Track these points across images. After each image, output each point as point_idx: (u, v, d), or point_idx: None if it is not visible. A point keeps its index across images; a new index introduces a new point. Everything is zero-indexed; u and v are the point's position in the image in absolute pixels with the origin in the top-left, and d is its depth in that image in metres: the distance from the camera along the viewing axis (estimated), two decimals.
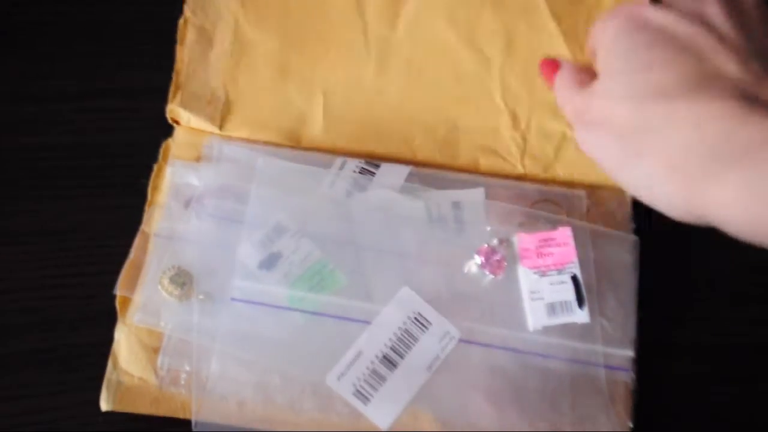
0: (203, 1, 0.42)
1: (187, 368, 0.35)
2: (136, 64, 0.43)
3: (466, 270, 0.36)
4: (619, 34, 0.28)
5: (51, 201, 0.39)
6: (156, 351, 0.35)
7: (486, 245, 0.36)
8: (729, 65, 0.26)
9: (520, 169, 0.40)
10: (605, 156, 0.28)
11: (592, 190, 0.40)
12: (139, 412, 0.35)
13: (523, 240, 0.37)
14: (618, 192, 0.39)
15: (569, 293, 0.36)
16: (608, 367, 0.36)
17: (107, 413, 0.35)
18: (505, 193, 0.39)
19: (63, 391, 0.36)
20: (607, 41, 0.28)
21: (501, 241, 0.37)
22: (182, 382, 0.35)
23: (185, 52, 0.41)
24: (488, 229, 0.37)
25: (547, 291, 0.36)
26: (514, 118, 0.41)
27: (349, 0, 0.42)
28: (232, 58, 0.41)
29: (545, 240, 0.37)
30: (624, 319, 0.37)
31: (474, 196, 0.38)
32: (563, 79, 0.31)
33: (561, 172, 0.40)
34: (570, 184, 0.40)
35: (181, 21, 0.41)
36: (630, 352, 0.36)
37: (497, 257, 0.36)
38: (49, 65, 0.42)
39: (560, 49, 0.42)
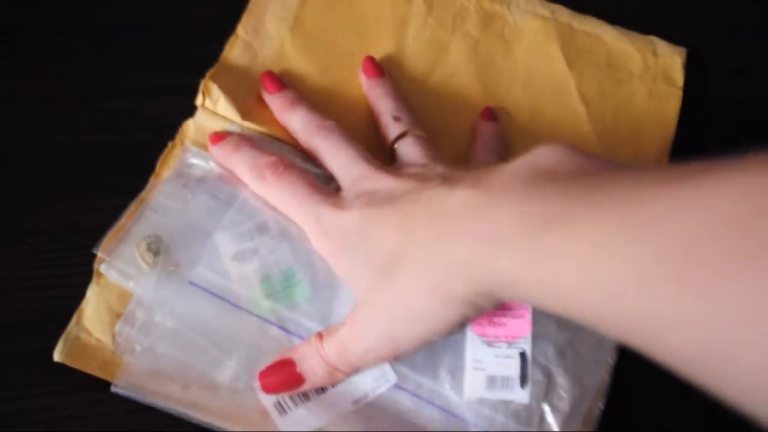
0: (256, 23, 0.43)
1: (145, 342, 0.35)
2: (136, 64, 0.43)
3: None
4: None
5: (51, 201, 0.39)
6: (120, 317, 0.36)
7: None
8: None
9: None
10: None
11: None
12: (87, 371, 0.35)
13: None
14: None
15: (514, 369, 0.35)
16: None
17: (108, 413, 0.35)
18: None
19: (63, 391, 0.36)
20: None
21: None
22: (136, 353, 0.35)
23: (229, 57, 0.42)
24: None
25: (491, 362, 0.35)
26: None
27: (392, 48, 0.43)
28: None
29: (501, 308, 0.35)
30: (570, 413, 0.35)
31: None
32: None
33: None
34: None
35: (232, 37, 0.42)
36: None
37: None
38: (49, 65, 0.42)
39: (584, 131, 0.42)
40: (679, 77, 0.44)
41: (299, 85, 0.42)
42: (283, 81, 0.40)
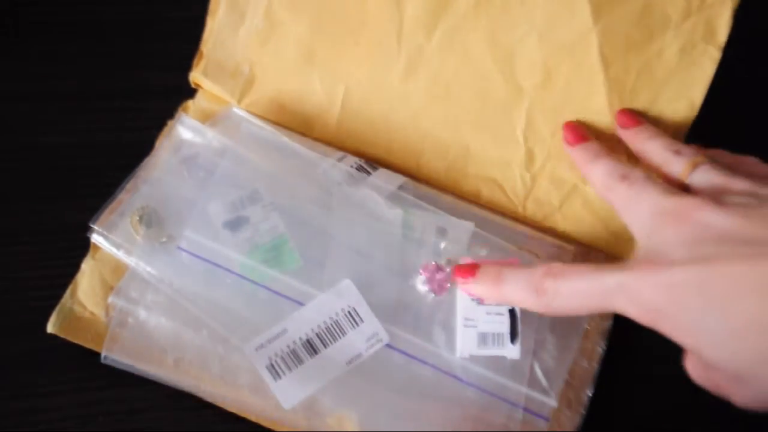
0: None
1: (137, 314, 0.35)
2: (136, 64, 0.43)
3: (412, 283, 0.36)
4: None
5: (51, 201, 0.40)
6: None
7: (433, 263, 0.36)
8: None
9: (520, 211, 0.39)
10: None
11: (585, 250, 0.39)
12: (80, 343, 0.36)
13: None
14: (610, 259, 0.38)
15: (504, 326, 0.35)
16: (527, 410, 0.35)
17: (107, 413, 0.35)
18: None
19: (63, 391, 0.36)
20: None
21: (449, 261, 0.36)
22: (128, 325, 0.35)
23: (215, 23, 0.40)
24: (442, 246, 0.37)
25: (482, 320, 0.35)
26: (530, 157, 0.39)
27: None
28: (261, 36, 0.40)
29: None
30: (557, 368, 0.36)
31: (461, 229, 0.37)
32: (607, 167, 0.34)
33: (561, 224, 0.39)
34: (564, 238, 0.39)
35: None
36: (553, 402, 0.35)
37: (441, 276, 0.36)
38: (49, 65, 0.42)
39: (598, 100, 0.37)
40: (723, 30, 0.35)
41: (291, 42, 0.40)
42: (586, 132, 0.37)
